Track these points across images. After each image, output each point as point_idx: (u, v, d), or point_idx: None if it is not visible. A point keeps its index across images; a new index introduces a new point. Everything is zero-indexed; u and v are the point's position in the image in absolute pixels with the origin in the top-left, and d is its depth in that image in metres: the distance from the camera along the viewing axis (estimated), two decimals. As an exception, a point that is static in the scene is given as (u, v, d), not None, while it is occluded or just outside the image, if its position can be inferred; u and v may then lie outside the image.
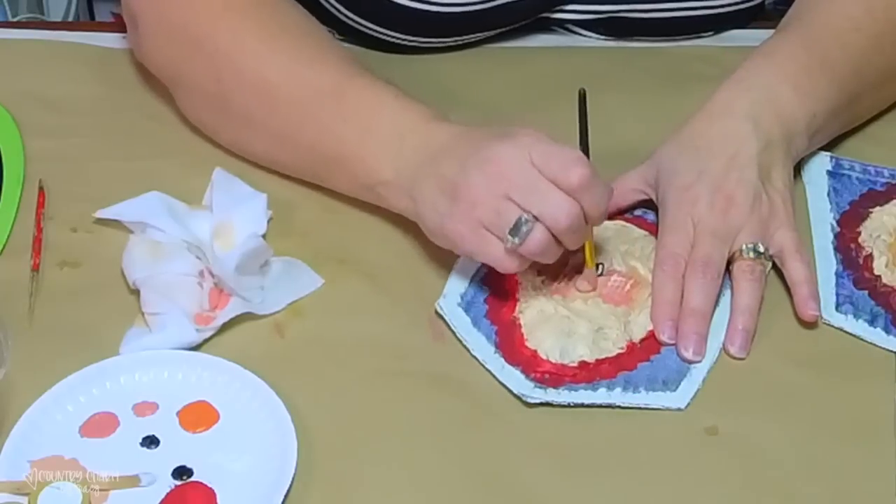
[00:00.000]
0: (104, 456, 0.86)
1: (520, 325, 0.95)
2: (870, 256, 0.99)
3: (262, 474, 0.85)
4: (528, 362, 0.93)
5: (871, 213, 1.03)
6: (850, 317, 0.96)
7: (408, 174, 0.96)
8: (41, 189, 1.05)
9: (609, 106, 1.11)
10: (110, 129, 1.12)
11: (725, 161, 0.97)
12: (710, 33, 1.20)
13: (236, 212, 1.00)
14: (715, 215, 0.96)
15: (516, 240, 0.89)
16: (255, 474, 0.85)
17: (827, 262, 0.99)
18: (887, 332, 0.95)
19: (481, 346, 0.93)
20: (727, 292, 0.96)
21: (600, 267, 0.97)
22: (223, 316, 0.94)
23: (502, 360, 0.93)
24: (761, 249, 0.96)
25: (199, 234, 0.99)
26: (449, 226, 0.92)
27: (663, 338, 0.93)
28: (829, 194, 1.05)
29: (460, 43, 1.18)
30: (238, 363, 0.91)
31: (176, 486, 0.85)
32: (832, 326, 0.96)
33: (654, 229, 1.00)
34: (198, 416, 0.89)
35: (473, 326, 0.95)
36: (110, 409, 0.89)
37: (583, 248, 0.95)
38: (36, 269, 0.99)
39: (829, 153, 1.07)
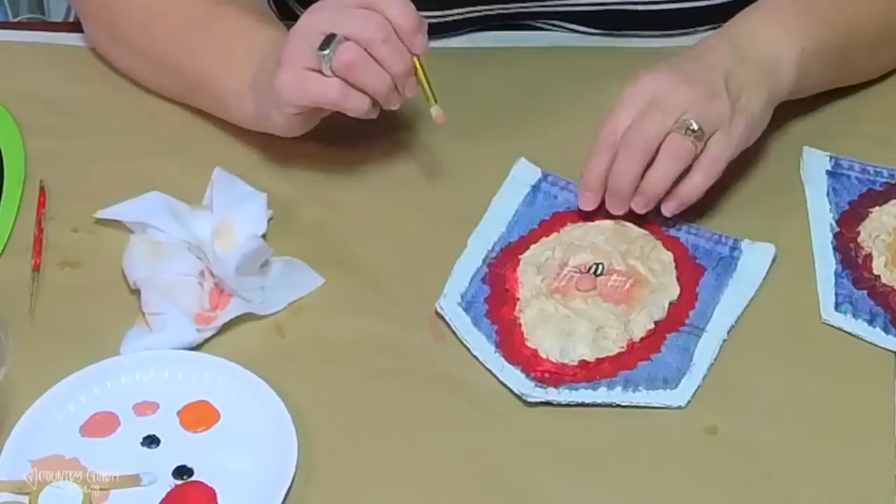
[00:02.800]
0: (105, 455, 0.87)
1: (520, 324, 0.95)
2: (869, 256, 0.99)
3: (263, 474, 0.85)
4: (528, 361, 0.92)
5: (871, 212, 1.03)
6: (850, 316, 0.96)
7: (251, 80, 1.02)
8: (42, 189, 1.05)
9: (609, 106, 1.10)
10: (110, 129, 1.12)
11: (698, 61, 0.99)
12: (706, 27, 1.20)
13: (237, 212, 1.00)
14: (667, 90, 0.97)
15: (328, 52, 0.94)
16: (256, 474, 0.85)
17: (826, 262, 0.99)
18: (886, 331, 0.95)
19: (482, 346, 0.93)
20: (729, 287, 0.96)
21: (600, 267, 0.97)
22: (224, 316, 0.94)
23: (503, 359, 0.93)
24: (695, 127, 0.95)
25: (199, 234, 0.99)
26: (275, 85, 0.97)
27: (584, 208, 0.97)
28: (828, 194, 1.05)
29: (453, 19, 1.17)
30: (238, 363, 0.91)
31: (176, 485, 0.85)
32: (831, 326, 0.96)
33: (654, 228, 1.00)
34: (198, 416, 0.89)
35: (474, 326, 0.94)
36: (111, 409, 0.89)
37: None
38: (37, 269, 0.99)
39: (828, 153, 1.07)
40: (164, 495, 0.85)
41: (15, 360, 0.90)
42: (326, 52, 0.94)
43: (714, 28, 1.19)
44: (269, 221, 1.01)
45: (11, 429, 0.87)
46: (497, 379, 0.92)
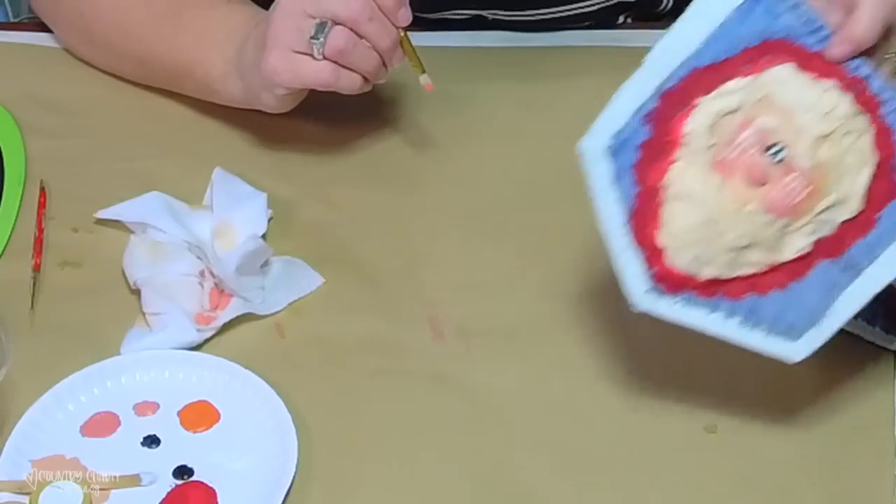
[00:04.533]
0: (105, 455, 0.87)
1: (661, 201, 0.82)
2: (869, 256, 0.99)
3: (263, 474, 0.85)
4: (653, 254, 0.82)
5: (871, 212, 1.03)
6: (850, 316, 0.96)
7: (235, 61, 1.03)
8: (42, 189, 1.05)
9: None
10: (110, 129, 1.12)
11: None
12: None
13: (237, 211, 1.00)
14: None
15: (321, 39, 0.95)
16: (256, 474, 0.85)
17: (826, 262, 0.99)
18: (886, 331, 0.95)
19: (611, 214, 0.81)
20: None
21: (782, 151, 0.80)
22: (224, 316, 0.94)
23: (629, 237, 0.81)
24: None
25: (199, 235, 0.99)
26: (264, 70, 0.98)
27: (836, 57, 0.82)
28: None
29: None
30: (238, 363, 0.91)
31: (177, 485, 0.85)
32: (832, 326, 0.96)
33: (871, 105, 0.80)
34: (198, 416, 0.89)
35: (614, 181, 0.81)
36: (111, 409, 0.89)
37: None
38: (37, 269, 0.99)
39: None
40: (164, 495, 0.85)
41: (15, 359, 0.90)
42: (320, 39, 0.95)
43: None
44: (269, 221, 1.01)
45: (11, 429, 0.87)
46: (611, 263, 0.81)
